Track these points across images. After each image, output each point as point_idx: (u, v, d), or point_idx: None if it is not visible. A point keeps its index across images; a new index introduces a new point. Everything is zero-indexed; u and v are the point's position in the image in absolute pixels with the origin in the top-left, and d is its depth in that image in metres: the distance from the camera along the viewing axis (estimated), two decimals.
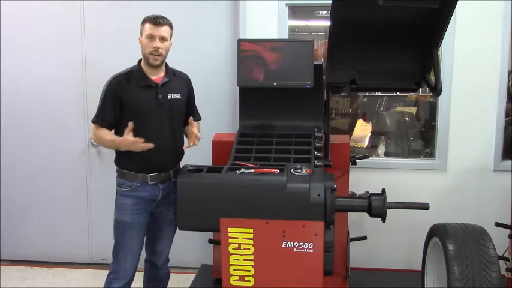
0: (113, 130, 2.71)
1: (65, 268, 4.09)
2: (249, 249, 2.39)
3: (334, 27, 2.59)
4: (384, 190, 2.54)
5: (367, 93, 4.46)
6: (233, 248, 2.40)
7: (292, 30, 3.89)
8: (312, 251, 2.35)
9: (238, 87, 3.05)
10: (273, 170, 2.45)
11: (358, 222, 3.62)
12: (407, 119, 4.40)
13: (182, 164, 2.74)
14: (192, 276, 3.65)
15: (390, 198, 2.52)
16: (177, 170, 2.74)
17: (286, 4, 3.68)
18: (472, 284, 2.36)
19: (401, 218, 3.50)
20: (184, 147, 2.73)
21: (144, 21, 2.64)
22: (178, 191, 2.46)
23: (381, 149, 4.29)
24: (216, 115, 3.82)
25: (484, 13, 3.51)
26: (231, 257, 2.42)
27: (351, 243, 3.27)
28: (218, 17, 3.82)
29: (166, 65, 2.76)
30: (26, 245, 4.17)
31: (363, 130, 4.35)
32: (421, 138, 4.24)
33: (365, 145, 4.27)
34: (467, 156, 3.67)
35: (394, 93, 4.48)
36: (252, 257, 2.40)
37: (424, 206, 2.55)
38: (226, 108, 3.86)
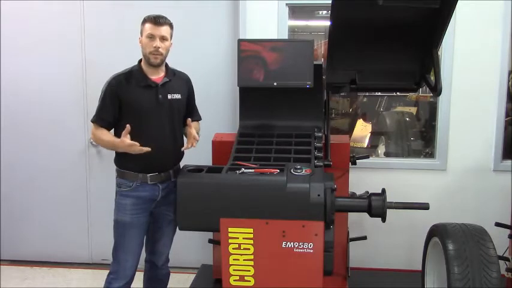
0: (113, 130, 2.71)
1: (65, 268, 4.09)
2: (249, 249, 2.39)
3: (334, 27, 2.59)
4: (383, 190, 2.54)
5: (367, 93, 4.46)
6: (233, 248, 2.40)
7: (292, 30, 3.89)
8: (312, 251, 2.35)
9: (238, 87, 3.05)
10: (273, 170, 2.45)
11: (358, 222, 3.62)
12: (407, 119, 4.40)
13: (182, 164, 2.74)
14: (192, 276, 3.65)
15: (390, 198, 2.52)
16: (176, 170, 2.74)
17: (286, 4, 3.68)
18: (472, 284, 2.36)
19: (401, 218, 3.50)
20: (182, 148, 2.72)
21: (145, 21, 2.64)
22: (178, 191, 2.46)
23: (381, 149, 4.29)
24: (216, 115, 3.82)
25: (484, 13, 3.51)
26: (231, 257, 2.42)
27: (351, 243, 3.27)
28: (218, 17, 3.82)
29: (167, 65, 2.76)
30: (26, 245, 4.17)
31: (363, 130, 4.35)
32: (421, 138, 4.24)
33: (365, 145, 4.27)
34: (467, 156, 3.67)
35: (394, 93, 4.48)
36: (252, 257, 2.40)
37: (424, 206, 2.55)
38: (226, 108, 3.86)
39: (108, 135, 2.66)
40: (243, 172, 2.45)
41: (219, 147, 3.11)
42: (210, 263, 3.49)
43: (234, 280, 2.44)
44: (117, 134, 2.64)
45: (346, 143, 3.14)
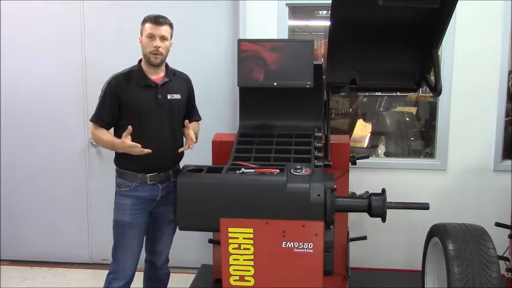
0: (113, 130, 2.71)
1: (65, 268, 4.09)
2: (249, 249, 2.39)
3: (334, 27, 2.59)
4: (383, 190, 2.54)
5: (367, 93, 4.46)
6: (233, 248, 2.40)
7: (292, 30, 3.89)
8: (312, 251, 2.35)
9: (238, 87, 3.05)
10: (273, 170, 2.45)
11: (358, 222, 3.62)
12: (407, 119, 4.40)
13: (182, 164, 2.74)
14: (192, 276, 3.65)
15: (390, 198, 2.52)
16: (176, 170, 2.74)
17: (286, 4, 3.68)
18: (472, 284, 2.36)
19: (401, 218, 3.50)
20: (179, 149, 2.71)
21: (145, 20, 2.64)
22: (178, 191, 2.46)
23: (381, 149, 4.29)
24: (216, 115, 3.82)
25: (484, 13, 3.51)
26: (231, 257, 2.42)
27: (351, 243, 3.27)
28: (218, 17, 3.82)
29: (167, 65, 2.76)
30: (26, 245, 4.17)
31: (363, 130, 4.35)
32: (421, 138, 4.23)
33: (365, 145, 4.27)
34: (467, 156, 3.67)
35: (394, 93, 4.48)
36: (252, 257, 2.40)
37: (424, 206, 2.55)
38: (226, 108, 3.86)
39: (108, 135, 2.66)
40: (243, 172, 2.45)
41: (219, 147, 3.11)
42: (210, 263, 3.49)
43: (234, 280, 2.44)
44: (117, 134, 2.64)
45: (346, 143, 3.14)
